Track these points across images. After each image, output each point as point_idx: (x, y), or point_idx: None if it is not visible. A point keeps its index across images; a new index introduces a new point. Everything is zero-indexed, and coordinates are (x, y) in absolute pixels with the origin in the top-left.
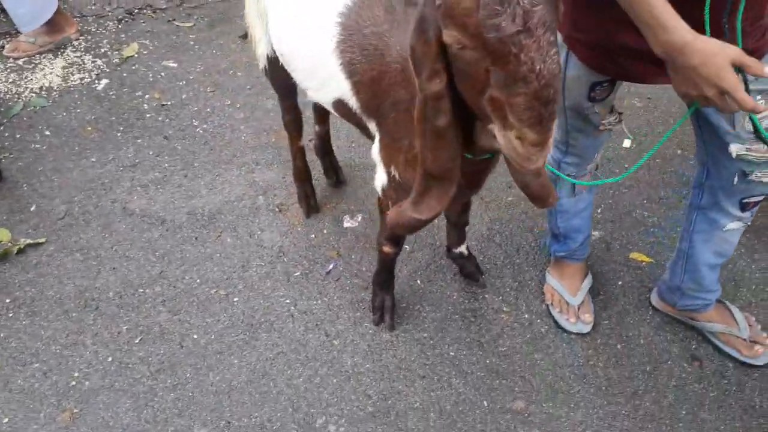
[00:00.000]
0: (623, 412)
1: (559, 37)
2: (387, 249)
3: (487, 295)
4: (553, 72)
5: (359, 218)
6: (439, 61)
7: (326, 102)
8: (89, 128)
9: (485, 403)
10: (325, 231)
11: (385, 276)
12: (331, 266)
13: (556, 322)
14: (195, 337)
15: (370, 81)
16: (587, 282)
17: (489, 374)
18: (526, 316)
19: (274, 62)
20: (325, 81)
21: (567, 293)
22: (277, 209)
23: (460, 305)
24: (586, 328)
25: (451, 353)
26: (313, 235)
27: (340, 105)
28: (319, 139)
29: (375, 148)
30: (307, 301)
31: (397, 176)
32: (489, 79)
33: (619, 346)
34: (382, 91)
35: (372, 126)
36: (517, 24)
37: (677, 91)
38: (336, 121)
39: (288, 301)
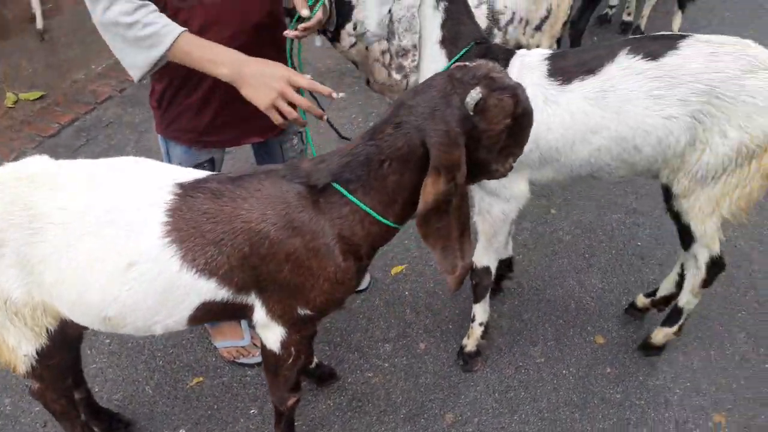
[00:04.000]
0: None
1: (159, 138)
2: (292, 399)
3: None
4: None
5: None
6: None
7: (181, 320)
8: None
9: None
10: None
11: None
12: None
13: (246, 365)
14: None
15: (241, 261)
16: (243, 323)
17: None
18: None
19: (51, 347)
20: (178, 302)
21: (237, 342)
22: None
23: (341, 401)
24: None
25: None
26: None
27: (202, 310)
28: (85, 404)
29: (260, 315)
30: None
31: (307, 312)
32: (503, 136)
33: None
34: (263, 257)
35: (249, 299)
36: (527, 98)
37: (262, 106)
38: None
39: None
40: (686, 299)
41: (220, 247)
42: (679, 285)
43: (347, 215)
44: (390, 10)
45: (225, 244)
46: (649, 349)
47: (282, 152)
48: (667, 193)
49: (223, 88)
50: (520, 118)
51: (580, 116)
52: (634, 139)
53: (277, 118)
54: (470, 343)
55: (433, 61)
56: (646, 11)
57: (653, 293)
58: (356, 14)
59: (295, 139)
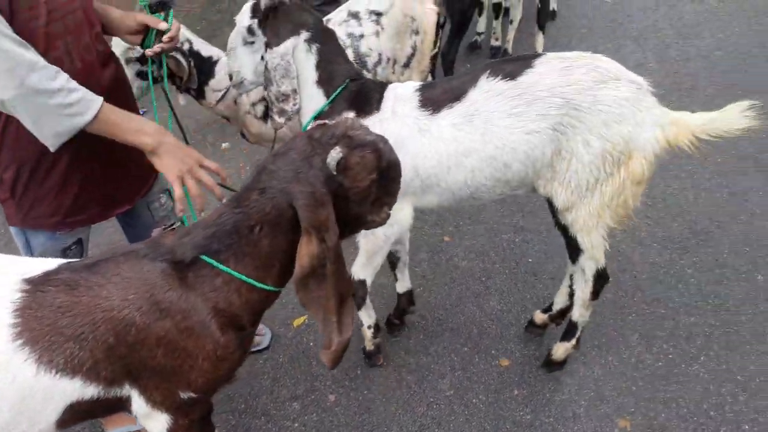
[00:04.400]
0: None
1: (14, 230)
2: None
3: None
4: None
5: None
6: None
7: (48, 426)
8: None
9: None
10: None
11: None
12: None
13: None
14: None
15: (107, 352)
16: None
17: None
18: None
19: None
20: (40, 408)
21: (131, 427)
22: None
23: None
24: None
25: None
26: None
27: (71, 411)
28: None
29: (139, 405)
30: None
31: (191, 394)
32: (373, 189)
33: None
34: (131, 345)
35: (124, 390)
36: (391, 150)
37: (171, 175)
38: None
39: None
40: (578, 313)
41: (81, 342)
42: (572, 296)
43: (221, 287)
44: (263, 58)
45: (86, 338)
46: (551, 365)
47: (151, 213)
48: (552, 208)
49: (84, 164)
50: (386, 171)
51: (452, 142)
52: (503, 157)
53: (179, 193)
54: (367, 344)
55: (312, 100)
56: (511, 35)
57: (549, 308)
58: (231, 65)
59: (163, 198)
